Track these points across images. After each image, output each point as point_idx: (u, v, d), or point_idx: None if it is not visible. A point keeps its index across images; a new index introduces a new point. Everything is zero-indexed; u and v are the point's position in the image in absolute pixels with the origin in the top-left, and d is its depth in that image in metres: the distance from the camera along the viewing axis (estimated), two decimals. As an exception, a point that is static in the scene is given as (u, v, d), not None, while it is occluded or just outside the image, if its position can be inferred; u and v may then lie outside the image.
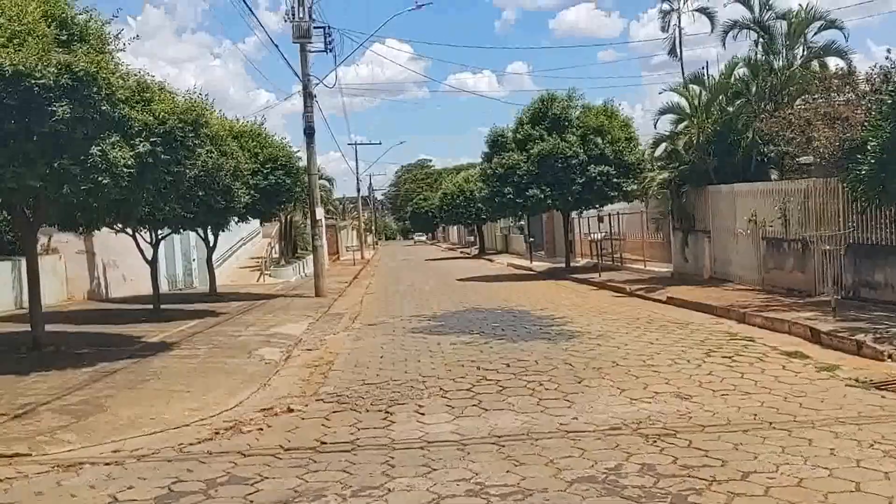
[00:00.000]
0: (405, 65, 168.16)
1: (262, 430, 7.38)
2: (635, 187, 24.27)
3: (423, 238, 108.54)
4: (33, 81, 9.22)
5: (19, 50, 9.34)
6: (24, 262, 19.22)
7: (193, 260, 27.97)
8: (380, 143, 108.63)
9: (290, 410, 8.13)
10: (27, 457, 6.51)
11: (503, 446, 6.41)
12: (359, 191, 74.53)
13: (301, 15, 23.54)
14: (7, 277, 17.96)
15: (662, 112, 21.27)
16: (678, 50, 27.12)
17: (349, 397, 8.59)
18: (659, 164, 21.78)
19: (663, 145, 21.34)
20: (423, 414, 7.67)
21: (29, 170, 9.41)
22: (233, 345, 12.83)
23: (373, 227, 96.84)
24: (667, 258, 23.53)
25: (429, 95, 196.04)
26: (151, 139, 10.77)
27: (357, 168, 69.68)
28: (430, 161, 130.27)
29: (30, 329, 11.72)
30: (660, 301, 17.09)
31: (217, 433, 7.25)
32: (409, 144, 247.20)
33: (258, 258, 34.96)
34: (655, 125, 22.09)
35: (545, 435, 6.71)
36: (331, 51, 26.15)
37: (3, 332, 13.85)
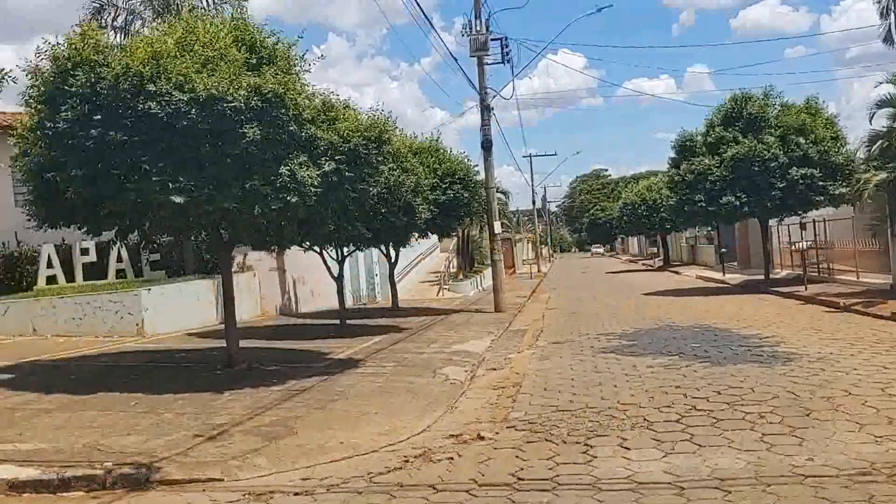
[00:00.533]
0: (579, 72, 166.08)
1: (452, 459, 6.90)
2: (845, 190, 21.94)
3: (601, 250, 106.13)
4: (225, 105, 9.39)
5: (212, 75, 9.57)
6: (223, 279, 20.37)
7: (376, 275, 28.52)
8: (555, 154, 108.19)
9: (481, 438, 7.61)
10: (220, 482, 6.39)
11: (729, 492, 5.52)
12: (534, 203, 74.06)
13: (478, 28, 23.38)
14: (210, 294, 18.90)
15: (879, 105, 19.06)
16: (894, 36, 24.32)
17: (542, 425, 7.95)
18: (874, 163, 19.51)
19: (879, 143, 19.10)
20: (628, 448, 6.88)
21: (222, 192, 9.57)
22: (417, 362, 12.59)
23: (548, 240, 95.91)
24: (884, 268, 21.06)
25: (603, 103, 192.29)
26: (336, 157, 10.73)
27: (532, 180, 69.23)
28: (606, 171, 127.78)
29: (225, 345, 12.03)
30: (883, 317, 15.13)
31: (407, 461, 6.85)
32: (584, 154, 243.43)
33: (437, 273, 35.24)
34: (871, 120, 19.87)
35: (778, 479, 5.74)
36: (508, 61, 25.83)
37: (202, 347, 14.43)
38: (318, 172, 10.24)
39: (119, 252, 18.99)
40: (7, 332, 16.69)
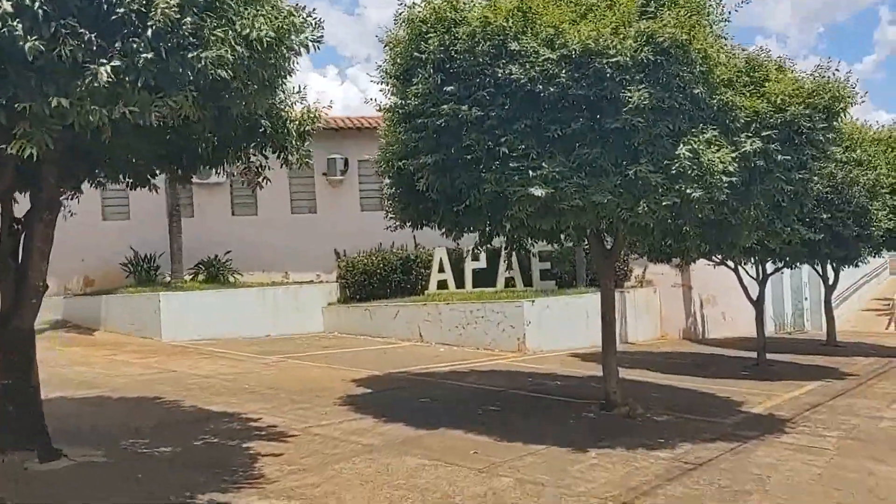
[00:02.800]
0: None
1: None
2: None
3: None
4: (605, 61, 6.89)
5: (591, 25, 7.14)
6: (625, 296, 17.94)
7: (805, 299, 23.70)
8: None
9: None
10: None
11: None
12: None
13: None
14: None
15: None
16: None
17: None
18: None
19: None
20: None
21: (596, 181, 7.04)
22: (874, 434, 8.75)
23: None
24: None
25: None
26: (764, 134, 7.56)
27: None
28: None
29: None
30: None
31: None
32: None
33: (886, 300, 28.68)
34: None
35: None
36: None
37: (581, 375, 12.08)
38: (734, 154, 7.17)
39: (510, 260, 17.67)
40: (396, 335, 16.27)
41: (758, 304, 14.62)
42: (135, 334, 15.15)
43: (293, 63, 5.49)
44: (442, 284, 17.63)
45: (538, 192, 7.08)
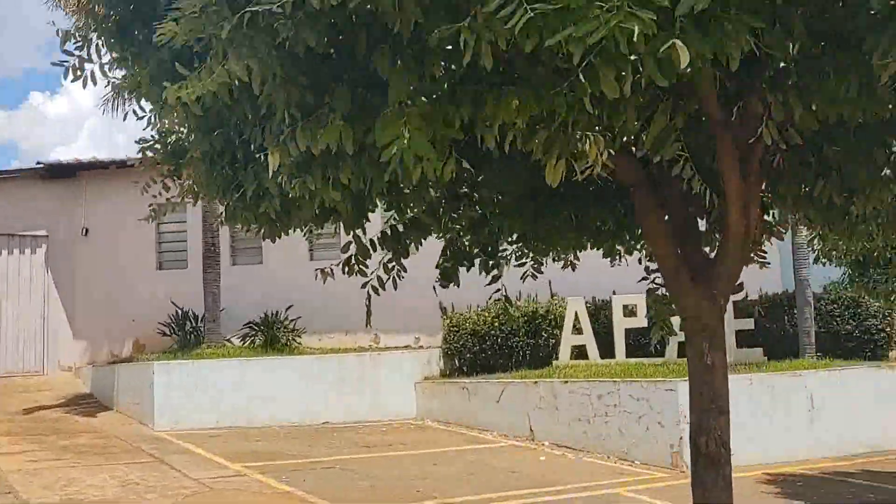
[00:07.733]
0: None
1: None
2: None
3: None
4: None
5: None
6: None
7: None
8: None
9: None
10: None
11: None
12: None
13: None
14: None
15: None
16: None
17: None
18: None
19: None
20: None
21: None
22: None
23: None
24: None
25: None
26: None
27: None
28: None
29: None
30: None
31: None
32: None
33: None
34: None
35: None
36: None
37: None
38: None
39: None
40: (499, 427, 10.83)
41: None
42: (134, 417, 11.20)
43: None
44: (579, 352, 11.84)
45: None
